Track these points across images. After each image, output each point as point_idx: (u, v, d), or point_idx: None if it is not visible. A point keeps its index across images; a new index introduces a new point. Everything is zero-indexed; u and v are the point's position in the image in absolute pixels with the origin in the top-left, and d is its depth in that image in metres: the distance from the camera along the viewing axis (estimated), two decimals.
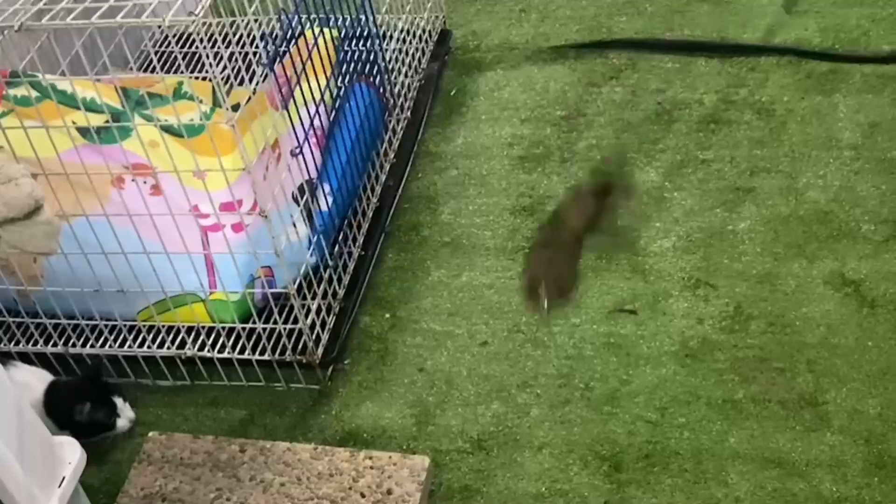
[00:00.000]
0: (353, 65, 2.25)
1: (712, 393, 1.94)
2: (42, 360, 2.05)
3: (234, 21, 2.19)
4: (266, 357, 2.01)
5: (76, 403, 1.88)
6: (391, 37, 2.58)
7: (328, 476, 1.85)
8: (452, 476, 1.88)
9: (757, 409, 1.90)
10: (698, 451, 1.85)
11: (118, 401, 1.94)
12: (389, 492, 1.81)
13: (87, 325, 2.06)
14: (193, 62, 2.48)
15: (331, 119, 2.16)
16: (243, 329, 2.01)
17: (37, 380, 1.92)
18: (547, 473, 1.86)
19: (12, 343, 2.09)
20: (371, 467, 1.85)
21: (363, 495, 1.81)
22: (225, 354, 2.02)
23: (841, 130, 2.42)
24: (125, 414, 1.94)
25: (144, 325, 2.05)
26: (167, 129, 1.94)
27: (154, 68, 2.47)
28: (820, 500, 1.75)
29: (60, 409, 1.88)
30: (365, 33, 2.31)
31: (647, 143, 2.47)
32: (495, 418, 1.96)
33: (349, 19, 2.24)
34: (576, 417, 1.94)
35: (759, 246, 2.19)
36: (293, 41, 2.03)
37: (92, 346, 2.06)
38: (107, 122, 2.03)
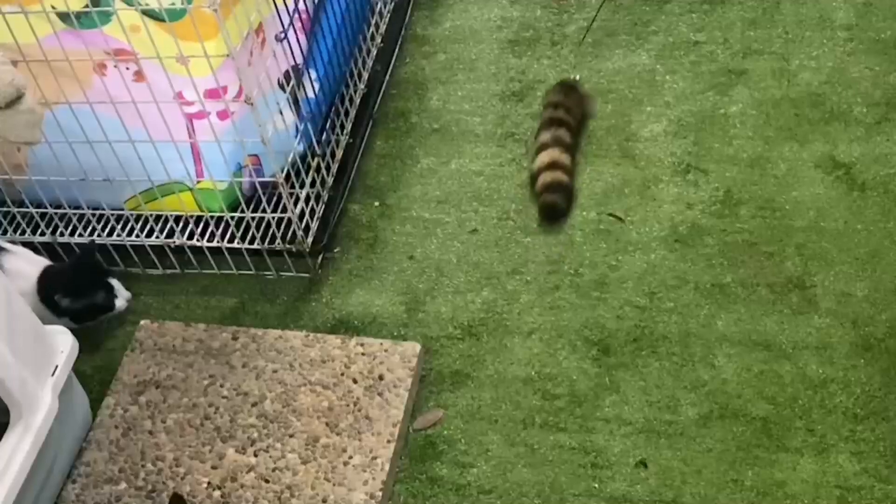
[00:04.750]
0: None
1: (701, 277, 1.95)
2: (30, 249, 2.04)
3: None
4: (256, 246, 2.01)
5: (72, 290, 1.87)
6: None
7: (320, 362, 1.87)
8: (443, 362, 1.90)
9: (745, 292, 1.91)
10: (686, 335, 1.87)
11: (114, 281, 1.94)
12: (381, 377, 1.83)
13: (75, 215, 2.05)
14: None
15: (316, 2, 2.11)
16: (232, 218, 2.00)
17: (32, 267, 1.89)
18: (536, 358, 1.88)
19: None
20: (363, 354, 1.87)
21: (355, 381, 1.83)
22: (214, 243, 2.02)
23: (835, 10, 2.38)
24: (122, 294, 1.94)
25: (132, 214, 2.04)
26: (148, 13, 1.90)
27: None
28: (805, 381, 1.78)
29: (55, 297, 1.87)
30: None
31: (639, 25, 2.43)
32: (485, 305, 1.97)
33: None
34: (565, 303, 1.95)
35: (751, 129, 2.17)
36: None
37: (80, 235, 2.06)
38: (86, 6, 1.98)
